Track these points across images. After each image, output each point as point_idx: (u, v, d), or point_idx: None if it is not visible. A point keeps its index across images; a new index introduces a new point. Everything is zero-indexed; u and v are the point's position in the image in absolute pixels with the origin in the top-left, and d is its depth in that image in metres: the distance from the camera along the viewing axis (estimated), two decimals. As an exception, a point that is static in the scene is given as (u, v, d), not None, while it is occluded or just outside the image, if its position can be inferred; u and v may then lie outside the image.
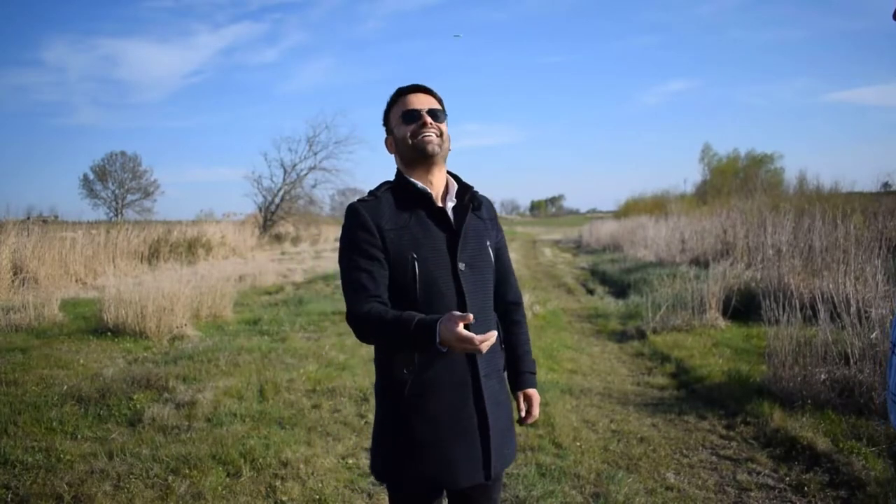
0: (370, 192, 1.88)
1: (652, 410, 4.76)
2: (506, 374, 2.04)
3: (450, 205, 1.86)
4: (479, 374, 1.83)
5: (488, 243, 1.91)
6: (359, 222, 1.79)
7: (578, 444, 4.02)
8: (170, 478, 3.41)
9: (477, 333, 1.69)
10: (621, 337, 7.61)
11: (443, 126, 1.85)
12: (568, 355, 6.59)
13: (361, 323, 1.73)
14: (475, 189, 1.96)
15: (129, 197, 50.09)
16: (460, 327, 1.59)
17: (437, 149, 1.81)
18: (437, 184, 1.87)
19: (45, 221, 16.37)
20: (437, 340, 1.61)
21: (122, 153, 49.85)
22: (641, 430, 4.31)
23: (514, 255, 21.47)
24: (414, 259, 1.76)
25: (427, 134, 1.81)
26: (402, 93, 1.87)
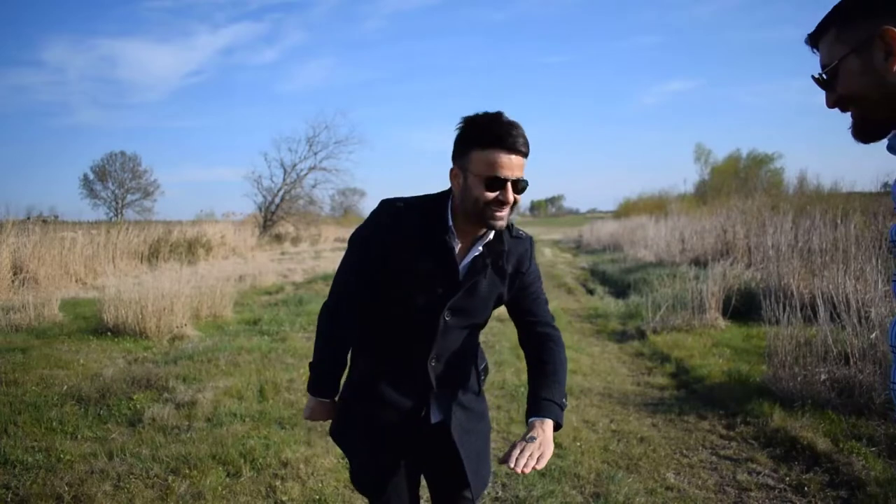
0: (414, 198, 1.78)
1: (652, 410, 4.76)
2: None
3: (472, 254, 1.75)
4: (431, 403, 1.82)
5: (494, 299, 1.81)
6: (372, 222, 1.75)
7: (578, 444, 4.02)
8: (170, 478, 3.41)
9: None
10: (621, 337, 7.61)
11: (520, 197, 1.69)
12: (568, 355, 6.56)
13: (320, 317, 1.82)
14: (515, 235, 1.81)
15: (129, 197, 50.09)
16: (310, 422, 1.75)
17: (503, 226, 1.70)
18: (475, 229, 1.75)
19: (45, 221, 16.35)
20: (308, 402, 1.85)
21: (122, 153, 49.87)
22: (641, 430, 4.31)
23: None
24: (402, 292, 1.72)
25: (503, 213, 1.67)
26: (496, 142, 1.62)
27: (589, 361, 6.42)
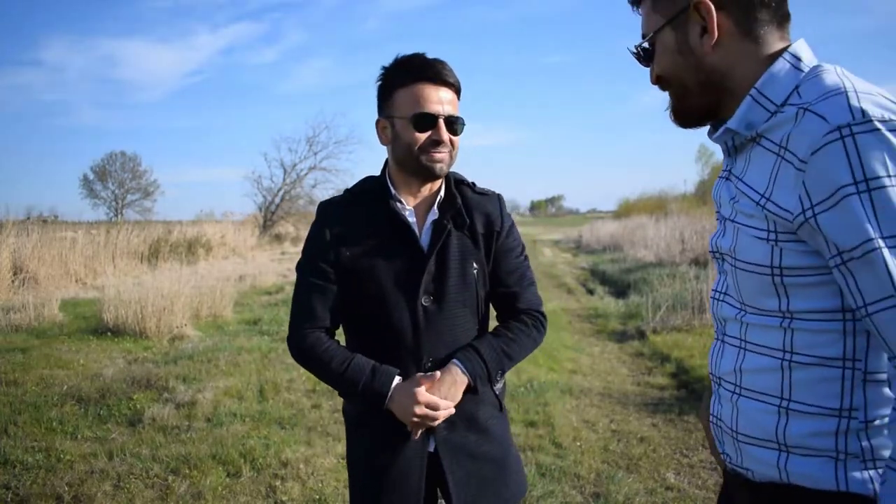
0: (348, 190, 1.62)
1: (652, 410, 4.76)
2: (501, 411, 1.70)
3: (430, 218, 1.56)
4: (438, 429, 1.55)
5: (473, 266, 1.56)
6: (319, 230, 1.56)
7: (578, 444, 4.02)
8: (170, 478, 3.41)
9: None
10: (621, 337, 7.61)
11: (457, 139, 1.52)
12: (568, 355, 6.59)
13: (304, 358, 1.59)
14: (478, 192, 1.63)
15: (129, 197, 50.12)
16: (420, 405, 1.46)
17: (445, 169, 1.52)
18: (426, 193, 1.58)
19: (45, 221, 16.36)
20: (385, 405, 1.50)
21: (122, 153, 49.90)
22: (641, 430, 4.31)
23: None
24: (367, 286, 1.52)
25: (440, 154, 1.49)
26: (418, 76, 1.48)
27: (589, 361, 6.42)
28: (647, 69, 1.12)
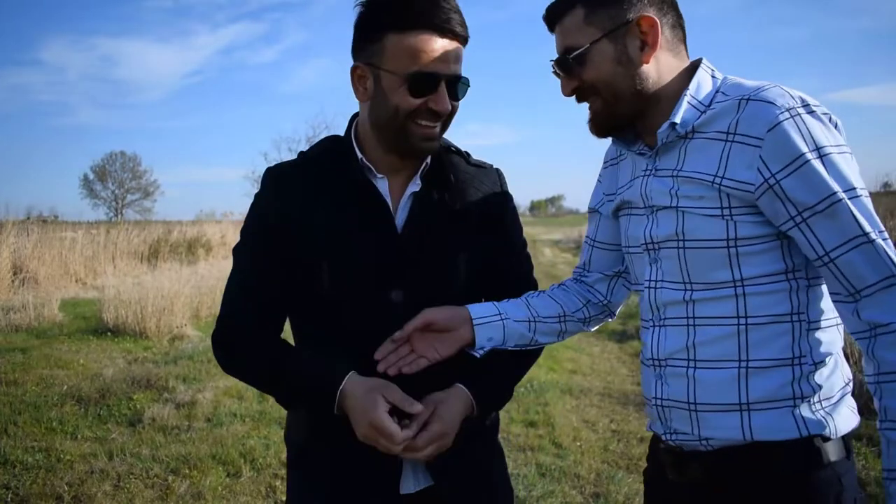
0: (303, 154, 1.29)
1: (652, 410, 4.76)
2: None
3: (411, 189, 1.24)
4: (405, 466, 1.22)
5: (462, 255, 1.25)
6: (265, 203, 1.24)
7: (578, 444, 4.02)
8: (170, 478, 3.41)
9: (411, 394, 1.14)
10: (621, 337, 7.61)
11: (457, 105, 1.20)
12: (568, 355, 6.59)
13: (231, 358, 1.24)
14: (474, 164, 1.32)
15: (129, 197, 50.20)
16: (382, 414, 1.08)
17: (435, 147, 1.21)
18: (401, 164, 1.25)
19: (45, 221, 16.37)
20: (335, 407, 1.14)
21: (122, 153, 50.02)
22: (641, 430, 4.30)
23: (514, 255, 21.41)
24: (324, 271, 1.19)
25: (433, 128, 1.17)
26: (421, 21, 1.12)
27: (589, 361, 6.43)
28: (561, 81, 1.18)
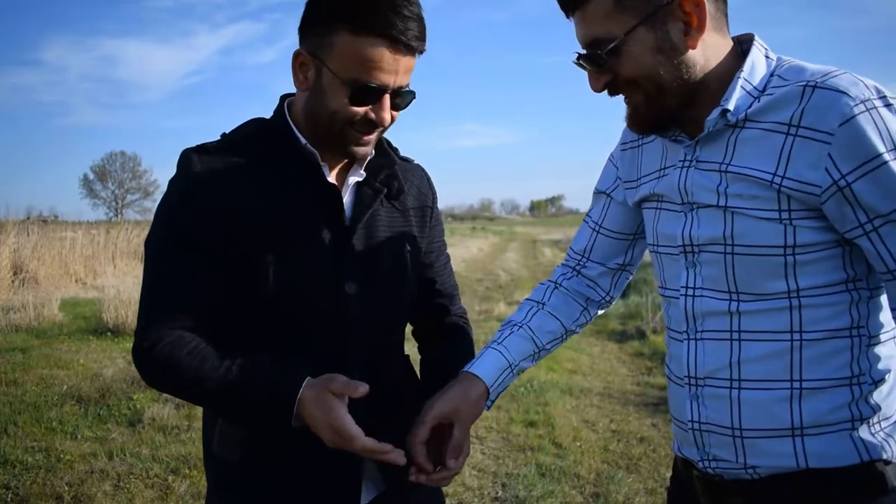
0: (224, 135, 1.17)
1: (652, 410, 4.76)
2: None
3: (352, 180, 1.17)
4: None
5: (408, 248, 1.23)
6: (187, 187, 1.10)
7: (578, 444, 4.02)
8: (170, 478, 3.41)
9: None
10: (621, 337, 7.61)
11: (397, 116, 1.13)
12: (568, 355, 6.59)
13: (159, 368, 1.07)
14: (402, 158, 1.27)
15: (129, 197, 50.25)
16: (342, 416, 0.99)
17: (369, 153, 1.16)
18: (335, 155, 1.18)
19: (45, 221, 16.37)
20: (293, 418, 1.02)
21: (122, 153, 50.07)
22: (641, 430, 4.31)
23: (514, 255, 21.45)
24: (270, 265, 1.09)
25: (370, 136, 1.12)
26: (376, 27, 1.03)
27: (589, 361, 6.43)
28: (589, 76, 1.04)
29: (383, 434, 1.03)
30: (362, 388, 0.99)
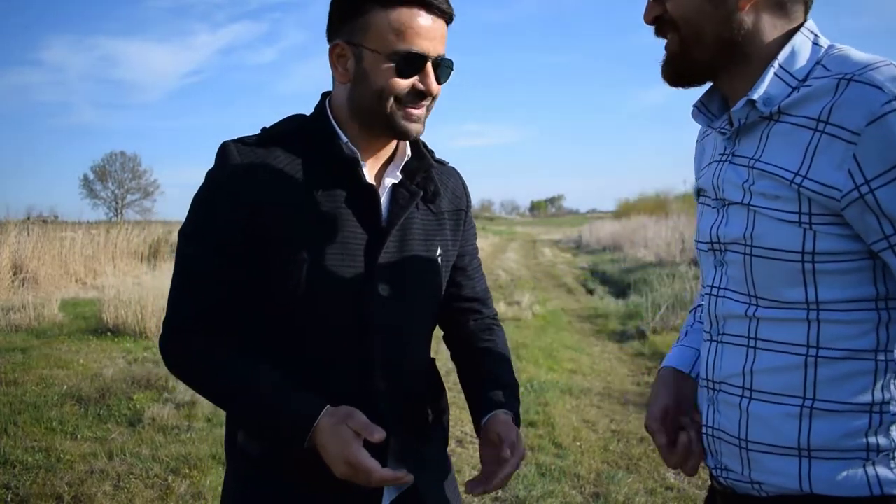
0: (264, 129, 1.16)
1: (652, 410, 4.76)
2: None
3: (388, 181, 1.17)
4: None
5: (439, 252, 1.21)
6: (225, 177, 1.10)
7: (578, 444, 4.02)
8: (170, 478, 3.41)
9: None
10: (621, 337, 7.61)
11: (439, 89, 1.13)
12: (568, 355, 6.59)
13: (186, 367, 1.13)
14: (437, 161, 1.26)
15: (129, 197, 50.24)
16: (357, 450, 0.98)
17: (421, 130, 1.14)
18: (381, 147, 1.18)
19: (45, 221, 16.36)
20: (306, 443, 1.03)
21: (122, 153, 50.05)
22: (641, 431, 4.31)
23: (514, 255, 21.47)
24: (303, 262, 1.08)
25: (420, 109, 1.11)
26: None
27: (589, 361, 6.43)
28: (647, 4, 1.02)
29: (415, 453, 1.09)
30: (378, 435, 0.99)
